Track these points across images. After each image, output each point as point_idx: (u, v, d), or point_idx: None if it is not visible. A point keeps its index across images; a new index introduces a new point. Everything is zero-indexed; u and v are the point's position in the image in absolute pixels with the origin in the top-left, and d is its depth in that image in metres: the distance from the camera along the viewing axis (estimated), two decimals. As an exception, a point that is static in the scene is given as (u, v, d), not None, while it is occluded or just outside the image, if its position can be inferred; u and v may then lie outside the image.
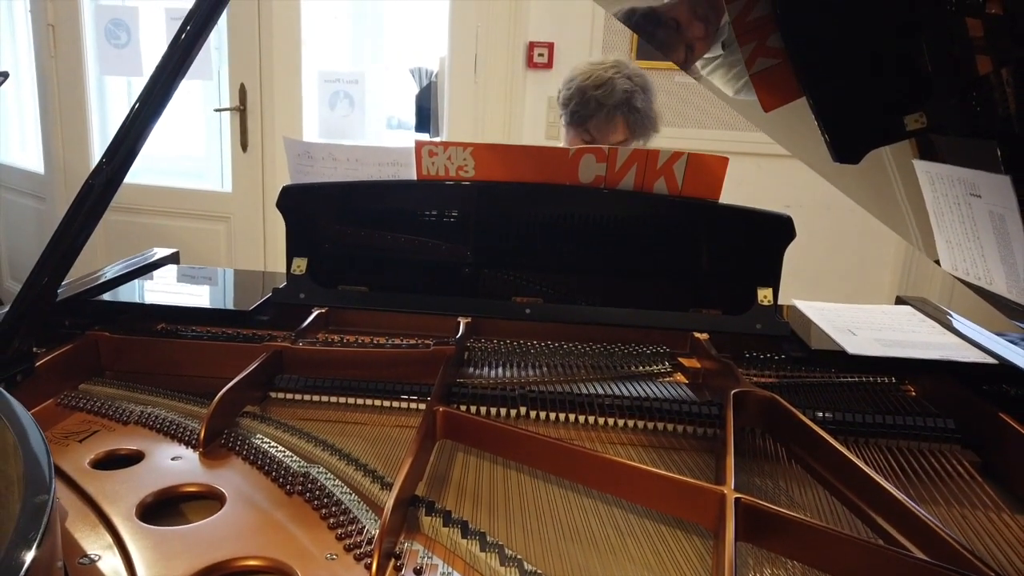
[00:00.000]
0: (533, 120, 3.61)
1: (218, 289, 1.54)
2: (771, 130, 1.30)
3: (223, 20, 3.35)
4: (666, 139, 3.57)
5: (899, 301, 1.48)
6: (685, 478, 0.85)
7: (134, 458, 0.98)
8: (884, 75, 1.19)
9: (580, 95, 2.00)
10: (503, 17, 3.44)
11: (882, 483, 0.87)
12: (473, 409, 1.13)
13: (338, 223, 1.28)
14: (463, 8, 3.44)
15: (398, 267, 1.31)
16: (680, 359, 1.38)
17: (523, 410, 1.13)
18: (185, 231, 3.59)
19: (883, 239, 3.47)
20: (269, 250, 3.54)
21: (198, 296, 1.47)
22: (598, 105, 1.97)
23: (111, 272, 1.41)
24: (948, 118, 1.18)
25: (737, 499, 0.79)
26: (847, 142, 1.20)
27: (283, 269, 1.30)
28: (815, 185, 1.40)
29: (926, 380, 1.26)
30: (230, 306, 1.45)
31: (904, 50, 1.16)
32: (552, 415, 1.13)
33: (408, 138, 4.79)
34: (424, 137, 3.93)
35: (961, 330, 1.29)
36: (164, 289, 1.45)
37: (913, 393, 1.27)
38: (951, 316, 1.39)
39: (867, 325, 1.30)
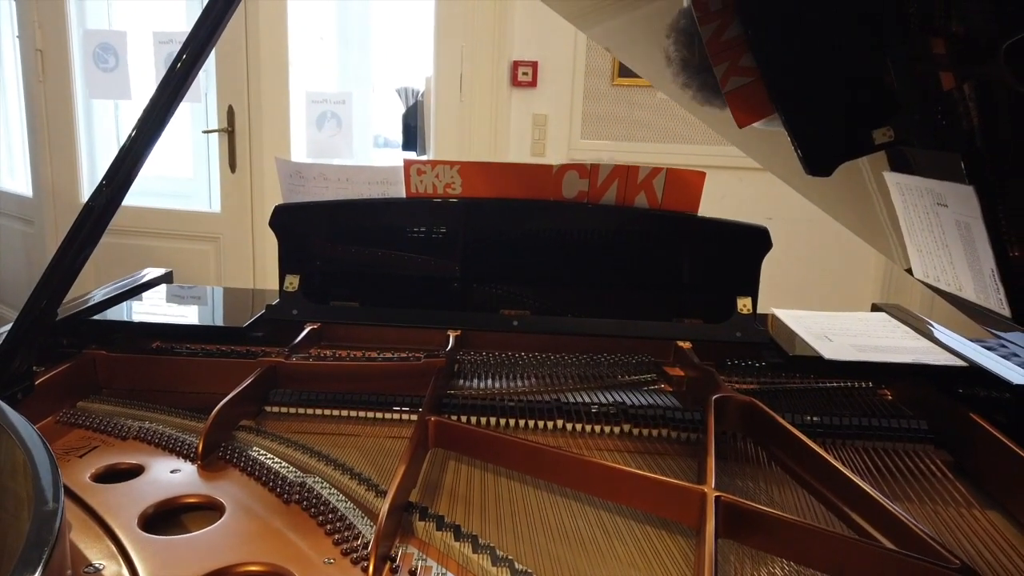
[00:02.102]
0: (519, 138, 3.67)
1: (211, 307, 1.57)
2: (747, 147, 1.35)
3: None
4: (650, 154, 3.64)
5: (875, 308, 1.53)
6: (668, 478, 0.89)
7: (134, 472, 1.00)
8: (852, 91, 1.24)
9: None
10: (487, 36, 3.50)
11: (856, 481, 0.91)
12: (464, 419, 1.16)
13: (329, 241, 1.31)
14: (448, 28, 3.50)
15: (389, 282, 1.35)
16: (665, 368, 1.42)
17: (512, 420, 1.16)
18: (175, 252, 3.61)
19: (863, 249, 3.51)
20: (258, 269, 3.56)
21: (192, 314, 1.50)
22: None
23: (106, 292, 1.44)
24: (915, 132, 1.23)
25: (717, 497, 0.82)
26: (819, 156, 1.24)
27: (273, 287, 1.34)
28: (796, 197, 1.45)
29: (900, 384, 1.30)
30: (224, 323, 1.48)
31: (871, 67, 1.22)
32: (541, 423, 1.16)
33: (395, 157, 4.84)
34: (411, 156, 3.98)
35: (934, 335, 1.34)
36: (158, 308, 1.48)
37: (889, 397, 1.31)
38: (925, 322, 1.44)
39: (843, 331, 1.35)
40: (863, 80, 1.24)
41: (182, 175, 4.06)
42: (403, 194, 1.26)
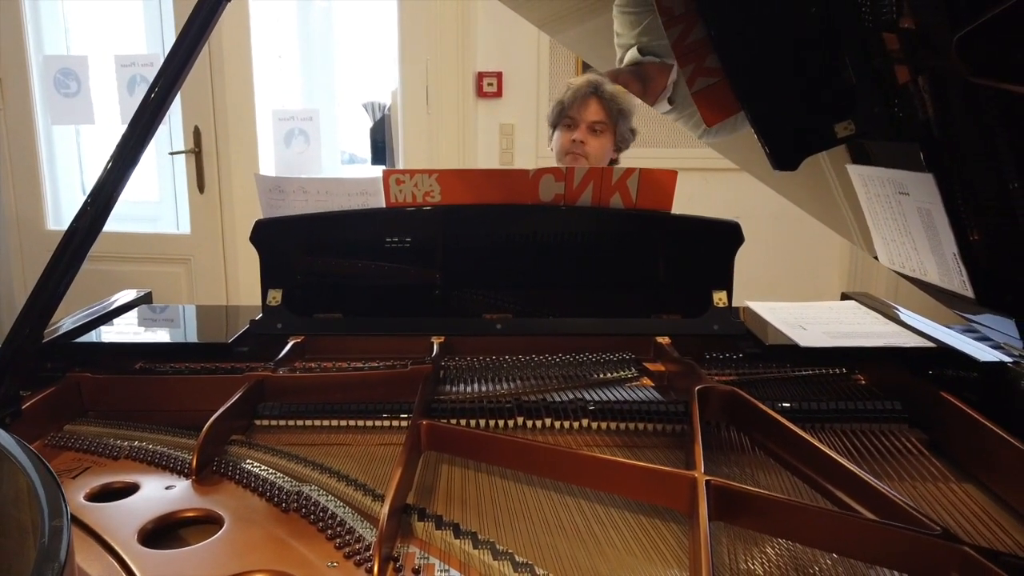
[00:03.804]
0: (486, 148, 3.70)
1: (192, 325, 1.57)
2: (719, 147, 1.39)
3: (174, 64, 3.37)
4: (629, 160, 3.68)
5: (844, 297, 1.58)
6: (659, 467, 0.92)
7: (129, 490, 1.00)
8: (812, 88, 1.28)
9: (559, 97, 2.39)
10: (451, 49, 3.53)
11: (837, 459, 0.95)
12: (454, 422, 1.18)
13: (311, 253, 1.32)
14: (412, 41, 3.52)
15: (371, 293, 1.36)
16: (645, 364, 1.45)
17: (501, 421, 1.19)
18: (146, 275, 3.57)
19: (829, 242, 3.62)
20: (231, 289, 3.54)
21: (174, 333, 1.50)
22: (572, 92, 2.32)
23: (87, 315, 1.43)
24: (874, 124, 1.28)
25: (708, 481, 0.85)
26: (784, 151, 1.29)
27: (247, 304, 1.34)
28: (762, 196, 1.50)
29: (873, 368, 1.34)
30: (207, 340, 1.48)
31: (829, 64, 1.27)
32: (529, 422, 1.19)
33: (364, 172, 4.85)
34: (380, 169, 3.98)
35: (903, 319, 1.39)
36: (138, 328, 1.48)
37: (863, 381, 1.36)
38: (893, 308, 1.49)
39: (815, 320, 1.39)
40: (822, 77, 1.28)
41: (149, 198, 4.03)
42: (383, 204, 1.28)
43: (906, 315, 1.43)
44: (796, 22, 1.24)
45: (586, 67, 3.75)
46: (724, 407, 1.14)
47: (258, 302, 1.33)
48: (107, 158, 1.10)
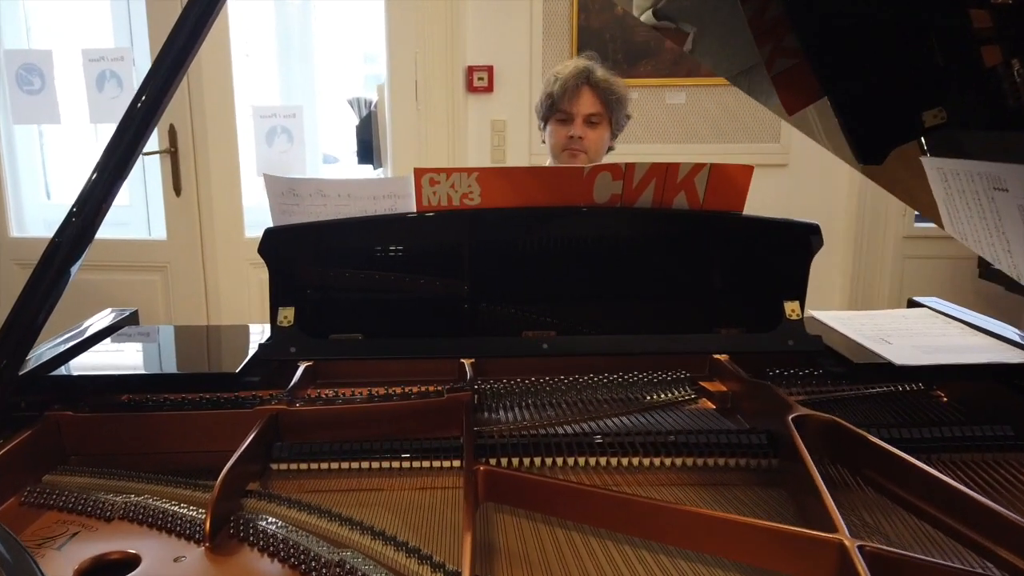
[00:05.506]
0: (477, 144, 3.53)
1: (188, 349, 1.38)
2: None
3: (145, 59, 3.16)
4: (619, 155, 3.53)
5: (911, 304, 1.44)
6: (792, 527, 0.76)
7: (128, 564, 0.82)
8: (898, 71, 1.14)
9: (545, 86, 2.22)
10: (440, 43, 3.36)
11: (983, 500, 0.80)
12: (504, 462, 1.01)
13: (329, 266, 1.15)
14: (400, 34, 3.34)
15: (395, 309, 1.19)
16: (702, 383, 1.30)
17: (559, 459, 1.02)
18: (118, 284, 3.34)
19: (832, 248, 3.49)
20: (211, 299, 3.32)
21: (167, 360, 1.31)
22: (561, 84, 2.15)
23: (63, 341, 1.24)
24: (968, 112, 1.14)
25: (860, 547, 0.69)
26: (870, 142, 1.14)
27: (229, 321, 1.16)
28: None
29: (956, 386, 1.21)
30: (206, 368, 1.29)
31: (916, 45, 1.12)
32: (593, 460, 1.03)
33: (347, 172, 4.64)
34: (368, 168, 3.78)
35: (993, 330, 1.25)
36: (127, 355, 1.29)
37: (945, 399, 1.22)
38: (969, 314, 1.35)
39: (896, 332, 1.24)
40: (908, 59, 1.14)
41: (119, 201, 3.79)
42: (413, 208, 1.11)
43: (990, 324, 1.29)
44: (880, -3, 1.10)
45: (578, 55, 3.60)
46: (824, 439, 0.98)
47: (249, 316, 1.15)
48: (90, 164, 0.93)
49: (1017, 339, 1.20)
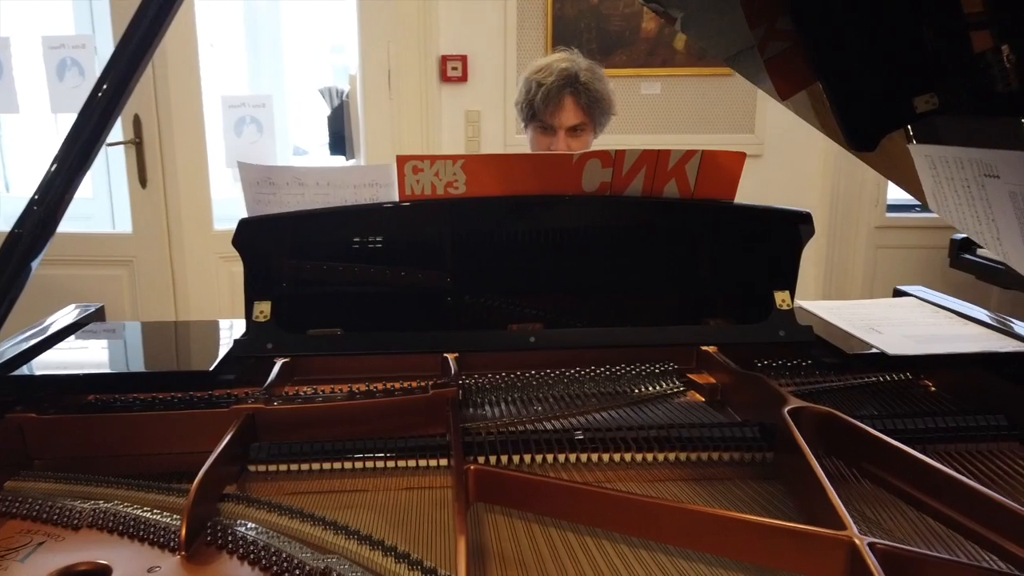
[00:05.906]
0: (451, 135, 3.48)
1: (157, 345, 1.32)
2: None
3: (108, 47, 3.06)
4: (593, 146, 3.50)
5: (897, 293, 1.43)
6: (799, 525, 0.73)
7: (98, 575, 0.77)
8: (889, 55, 1.12)
9: (526, 87, 2.05)
10: (413, 32, 3.30)
11: (986, 492, 0.78)
12: (493, 460, 0.98)
13: (307, 258, 1.10)
14: (373, 23, 3.28)
15: (376, 302, 1.14)
16: (689, 375, 1.27)
17: (550, 456, 0.99)
18: (82, 279, 3.24)
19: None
20: (180, 296, 3.23)
21: (134, 358, 1.25)
22: (543, 95, 1.99)
23: (25, 339, 1.18)
24: (959, 98, 1.13)
25: (871, 544, 0.67)
26: (861, 128, 1.12)
27: (198, 317, 1.12)
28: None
29: (944, 374, 1.20)
30: (176, 366, 1.24)
31: (907, 29, 1.11)
32: (584, 457, 1.00)
33: (319, 163, 4.56)
34: (340, 159, 3.71)
35: (981, 318, 1.24)
36: (93, 353, 1.23)
37: (933, 388, 1.21)
38: (956, 302, 1.34)
39: (885, 321, 1.23)
40: (900, 43, 1.12)
41: (81, 194, 3.68)
42: (396, 197, 1.06)
43: (978, 312, 1.28)
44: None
45: (555, 48, 3.56)
46: (820, 432, 0.96)
47: (219, 312, 1.10)
48: (50, 156, 0.87)
49: (1006, 327, 1.20)
